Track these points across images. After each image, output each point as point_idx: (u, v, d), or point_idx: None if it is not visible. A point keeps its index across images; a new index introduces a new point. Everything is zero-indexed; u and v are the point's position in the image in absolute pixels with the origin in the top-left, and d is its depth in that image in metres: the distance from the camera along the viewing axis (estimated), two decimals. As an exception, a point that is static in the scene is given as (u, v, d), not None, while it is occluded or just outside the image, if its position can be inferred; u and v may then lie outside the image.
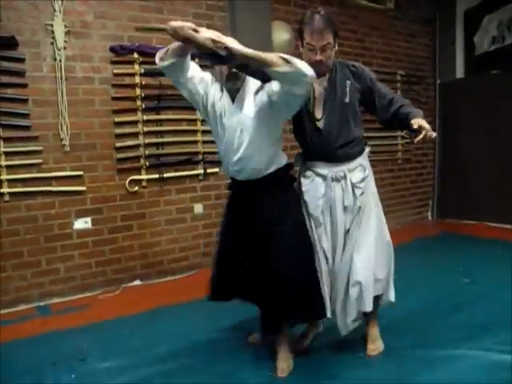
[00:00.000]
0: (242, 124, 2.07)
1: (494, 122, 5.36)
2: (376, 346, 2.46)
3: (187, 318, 3.07)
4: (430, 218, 6.17)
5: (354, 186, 2.29)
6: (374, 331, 2.49)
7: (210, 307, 3.19)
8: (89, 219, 3.65)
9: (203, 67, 2.24)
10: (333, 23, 2.11)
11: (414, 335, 2.61)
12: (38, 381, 2.28)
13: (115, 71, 3.69)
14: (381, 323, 2.55)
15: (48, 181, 3.48)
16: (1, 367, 2.38)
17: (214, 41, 1.74)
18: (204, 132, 4.10)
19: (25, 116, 3.38)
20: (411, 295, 3.15)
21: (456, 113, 5.82)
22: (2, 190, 3.30)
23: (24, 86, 3.36)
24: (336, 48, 2.18)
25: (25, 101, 3.37)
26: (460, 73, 5.86)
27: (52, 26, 3.38)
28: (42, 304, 3.43)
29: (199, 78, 2.14)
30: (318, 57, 2.09)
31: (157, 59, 2.01)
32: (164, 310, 3.20)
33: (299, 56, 1.98)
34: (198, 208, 4.17)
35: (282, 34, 4.37)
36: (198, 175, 4.13)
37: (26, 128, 3.38)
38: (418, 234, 5.25)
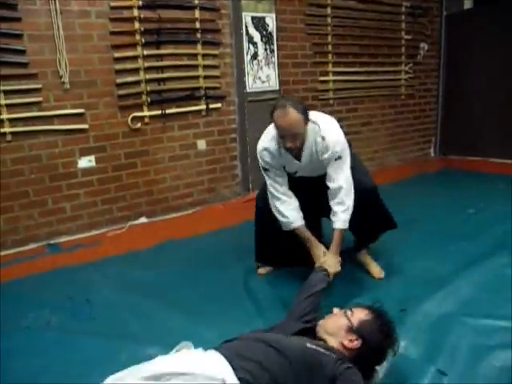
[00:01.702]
0: None
1: (503, 57, 5.23)
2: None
3: (195, 249, 3.14)
4: (432, 154, 6.16)
5: None
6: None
7: (217, 239, 3.31)
8: (92, 157, 3.63)
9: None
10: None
11: (421, 259, 2.70)
12: (53, 312, 2.34)
13: (112, 4, 3.54)
14: (387, 249, 2.63)
15: (49, 119, 3.42)
16: (16, 300, 2.45)
17: None
18: (205, 67, 4.02)
19: (21, 52, 3.27)
20: (416, 226, 3.21)
21: (462, 47, 5.65)
22: (4, 130, 3.25)
23: (17, 19, 3.22)
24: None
25: (19, 36, 3.25)
26: (468, 3, 5.65)
27: (43, -46, 3.22)
28: (51, 242, 3.47)
29: None
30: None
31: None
32: (172, 244, 3.26)
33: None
34: (201, 144, 4.14)
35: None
36: (200, 111, 4.08)
37: (24, 65, 3.29)
38: (420, 170, 5.26)
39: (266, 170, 2.42)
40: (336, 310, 1.72)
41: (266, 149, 2.37)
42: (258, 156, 2.43)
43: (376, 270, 2.57)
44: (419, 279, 2.45)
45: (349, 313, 1.64)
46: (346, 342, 1.55)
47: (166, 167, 3.99)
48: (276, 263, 2.71)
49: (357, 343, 1.54)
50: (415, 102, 5.78)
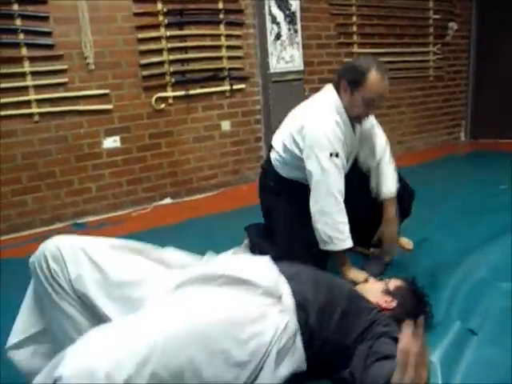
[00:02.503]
0: None
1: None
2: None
3: (219, 226, 3.12)
4: (462, 138, 6.00)
5: None
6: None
7: (240, 216, 3.28)
8: (117, 138, 3.65)
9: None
10: None
11: (450, 230, 2.63)
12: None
13: (135, -15, 3.57)
14: (415, 223, 2.55)
15: (75, 100, 3.46)
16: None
17: None
18: (229, 47, 4.00)
19: (47, 34, 3.32)
20: (444, 201, 3.12)
21: (494, 26, 5.48)
22: (31, 111, 3.31)
23: (44, 2, 3.27)
24: None
25: (46, 18, 3.30)
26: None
27: None
28: (78, 222, 3.52)
29: None
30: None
31: None
32: (196, 221, 3.26)
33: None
34: (226, 125, 4.13)
35: None
36: (224, 92, 4.06)
37: (50, 47, 3.34)
38: (450, 152, 5.13)
39: (336, 155, 1.95)
40: (372, 279, 1.77)
41: (337, 122, 1.97)
42: (329, 135, 1.95)
43: (404, 241, 2.46)
44: (448, 248, 2.38)
45: (386, 279, 1.68)
46: (381, 302, 1.56)
47: (191, 148, 3.99)
48: None
49: (392, 304, 1.56)
50: (444, 84, 5.64)
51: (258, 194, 2.38)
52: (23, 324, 1.38)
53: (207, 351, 1.11)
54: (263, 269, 1.38)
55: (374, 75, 1.89)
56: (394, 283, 1.65)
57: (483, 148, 5.32)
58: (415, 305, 1.58)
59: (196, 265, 1.45)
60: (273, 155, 2.24)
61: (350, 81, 1.95)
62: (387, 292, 1.60)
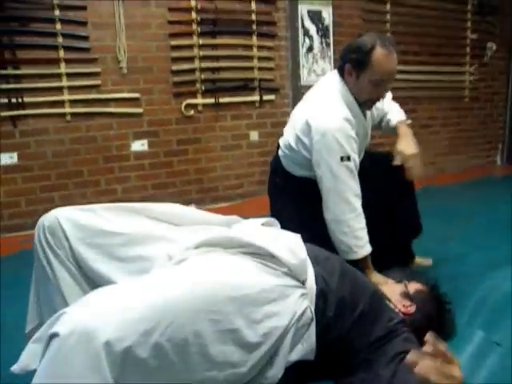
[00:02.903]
0: None
1: None
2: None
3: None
4: (498, 162, 5.80)
5: None
6: None
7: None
8: (145, 142, 3.70)
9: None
10: None
11: (474, 247, 2.52)
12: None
13: (171, -6, 3.66)
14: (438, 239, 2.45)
15: (106, 102, 3.54)
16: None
17: None
18: (260, 58, 4.03)
19: (84, 38, 3.43)
20: (474, 219, 3.01)
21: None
22: (64, 111, 3.40)
23: (83, 8, 3.39)
24: None
25: (84, 23, 3.42)
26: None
27: None
28: (101, 222, 3.55)
29: None
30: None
31: None
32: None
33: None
34: (254, 135, 4.13)
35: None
36: (253, 102, 4.07)
37: (86, 50, 3.44)
38: (483, 174, 4.97)
39: (348, 158, 1.82)
40: (391, 281, 1.68)
41: (347, 119, 1.82)
42: (338, 136, 1.79)
43: (420, 260, 2.29)
44: (471, 261, 2.28)
45: (405, 281, 1.59)
46: (399, 306, 1.48)
47: (218, 156, 4.00)
48: None
49: (411, 309, 1.48)
50: (480, 105, 5.49)
51: (267, 191, 2.30)
52: (32, 311, 1.37)
53: (217, 328, 1.06)
54: (293, 247, 1.31)
55: (379, 53, 1.75)
56: (413, 286, 1.55)
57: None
58: (436, 311, 1.50)
59: (219, 225, 1.42)
60: (281, 153, 2.15)
61: (354, 63, 1.82)
62: (406, 295, 1.51)
